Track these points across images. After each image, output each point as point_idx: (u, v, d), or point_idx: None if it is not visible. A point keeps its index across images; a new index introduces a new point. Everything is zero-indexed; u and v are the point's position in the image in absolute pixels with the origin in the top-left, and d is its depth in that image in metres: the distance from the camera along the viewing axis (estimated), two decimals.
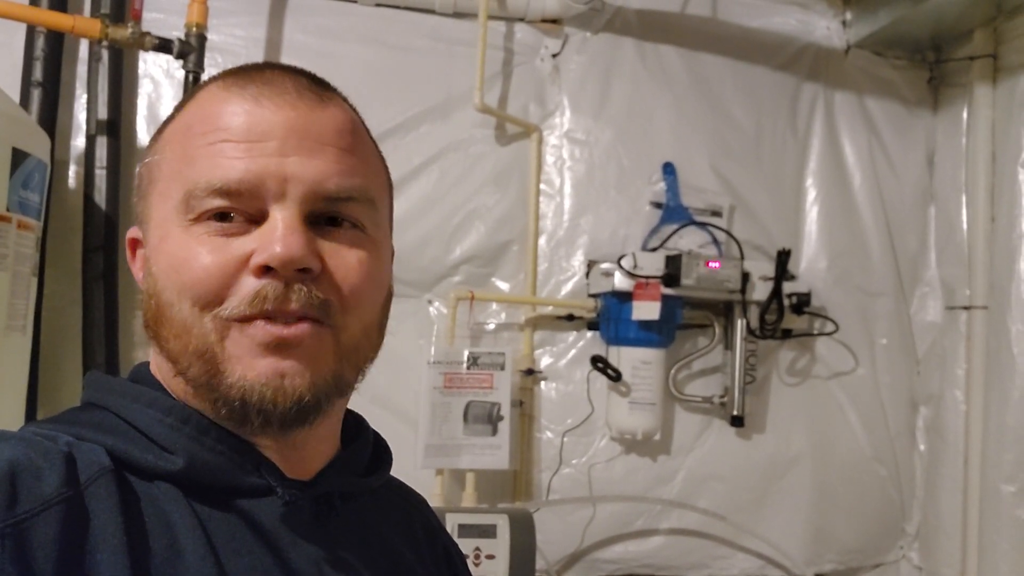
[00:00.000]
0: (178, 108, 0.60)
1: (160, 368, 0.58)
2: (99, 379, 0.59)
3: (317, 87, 0.59)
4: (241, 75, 0.58)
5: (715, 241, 1.94)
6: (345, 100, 0.61)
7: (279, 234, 0.52)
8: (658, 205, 1.93)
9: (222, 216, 0.54)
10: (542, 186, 1.92)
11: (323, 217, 0.56)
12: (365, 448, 0.66)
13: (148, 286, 0.57)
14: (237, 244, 0.53)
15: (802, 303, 1.92)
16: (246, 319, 0.53)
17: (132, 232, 0.61)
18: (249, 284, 0.53)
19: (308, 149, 0.55)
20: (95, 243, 1.60)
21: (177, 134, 0.58)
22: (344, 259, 0.56)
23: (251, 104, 0.55)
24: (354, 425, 0.67)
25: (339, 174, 0.56)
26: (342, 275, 0.55)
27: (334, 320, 0.55)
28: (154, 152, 0.59)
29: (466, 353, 1.75)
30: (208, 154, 0.54)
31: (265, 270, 0.52)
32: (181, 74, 1.60)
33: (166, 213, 0.56)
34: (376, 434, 0.69)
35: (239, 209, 0.54)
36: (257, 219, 0.54)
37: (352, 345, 0.57)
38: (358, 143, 0.59)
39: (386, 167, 0.65)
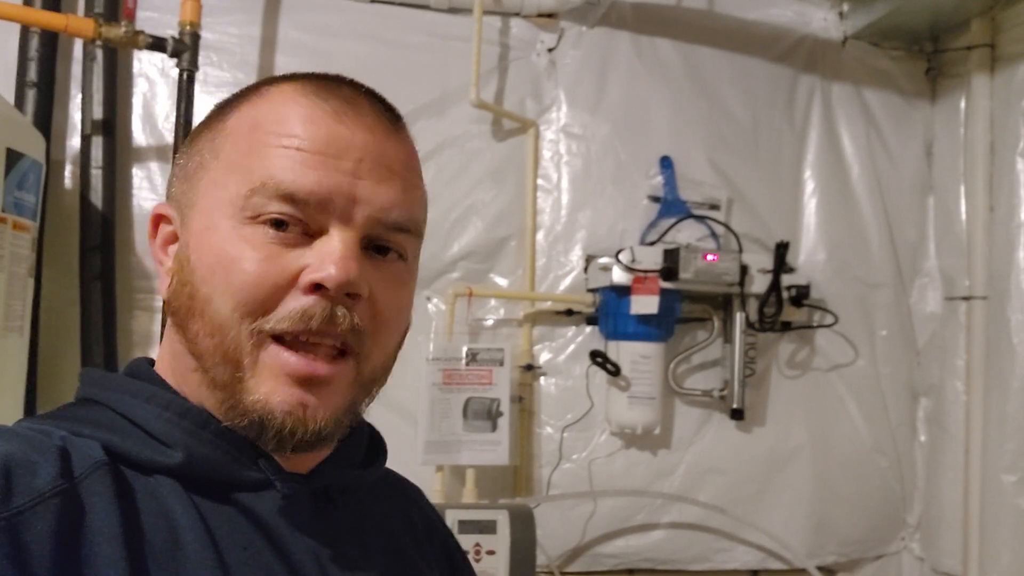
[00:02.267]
0: (241, 99, 0.59)
1: (176, 358, 0.57)
2: (95, 375, 0.59)
3: (391, 115, 0.59)
4: (320, 86, 0.57)
5: (713, 234, 1.94)
6: (408, 129, 0.61)
7: (338, 256, 0.53)
8: (656, 199, 1.93)
9: (278, 223, 0.53)
10: (539, 181, 1.92)
11: (374, 243, 0.56)
12: (361, 441, 0.66)
13: (182, 273, 0.56)
14: (291, 257, 0.53)
15: (801, 295, 1.92)
16: (285, 336, 0.53)
17: (161, 208, 0.60)
18: (298, 301, 0.53)
19: (379, 176, 0.55)
20: (92, 243, 1.60)
21: (243, 127, 0.57)
22: (387, 291, 0.57)
23: (331, 118, 0.55)
24: None
25: (402, 205, 0.57)
26: (381, 306, 0.56)
27: (362, 348, 0.56)
28: (211, 138, 0.58)
29: (465, 349, 1.75)
30: (281, 155, 0.54)
31: (315, 288, 0.52)
32: (176, 73, 1.60)
33: (216, 203, 0.55)
34: (371, 427, 0.69)
35: (299, 219, 0.53)
36: (313, 232, 0.54)
37: (372, 376, 0.58)
38: (417, 177, 0.60)
39: (427, 200, 0.64)
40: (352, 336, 0.54)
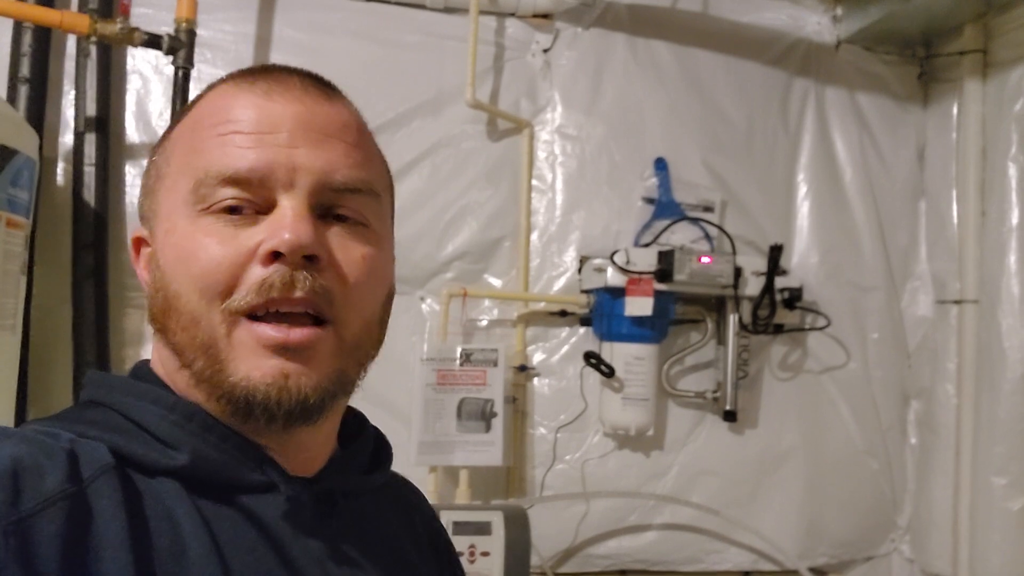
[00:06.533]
0: (186, 109, 0.61)
1: (164, 362, 0.58)
2: (100, 377, 0.59)
3: (323, 86, 0.60)
4: (249, 74, 0.59)
5: (707, 236, 1.94)
6: (349, 101, 0.62)
7: (288, 221, 0.53)
8: (650, 200, 1.93)
9: (229, 208, 0.54)
10: (534, 182, 1.92)
11: (330, 210, 0.57)
12: (367, 446, 0.66)
13: (155, 280, 0.57)
14: (246, 235, 0.54)
15: (794, 298, 1.92)
16: (253, 310, 0.53)
17: (137, 232, 0.62)
18: (257, 273, 0.53)
19: (316, 141, 0.56)
20: (85, 240, 1.59)
21: (186, 131, 0.59)
22: (348, 252, 0.57)
23: (260, 98, 0.56)
24: (355, 422, 0.67)
25: (346, 166, 0.57)
26: (346, 268, 0.56)
27: (336, 313, 0.55)
28: (162, 150, 0.60)
29: (459, 350, 1.75)
30: (218, 144, 0.55)
31: (273, 257, 0.53)
32: (170, 70, 1.59)
33: (174, 206, 0.56)
34: (377, 431, 0.69)
35: (248, 199, 0.54)
36: (265, 210, 0.55)
37: (354, 342, 0.57)
38: (363, 140, 0.61)
39: (388, 168, 0.66)
40: (320, 300, 0.54)
